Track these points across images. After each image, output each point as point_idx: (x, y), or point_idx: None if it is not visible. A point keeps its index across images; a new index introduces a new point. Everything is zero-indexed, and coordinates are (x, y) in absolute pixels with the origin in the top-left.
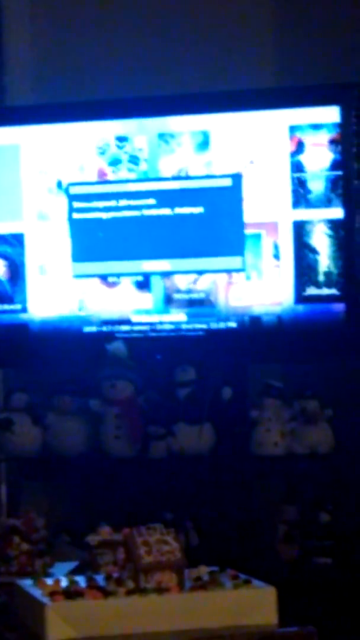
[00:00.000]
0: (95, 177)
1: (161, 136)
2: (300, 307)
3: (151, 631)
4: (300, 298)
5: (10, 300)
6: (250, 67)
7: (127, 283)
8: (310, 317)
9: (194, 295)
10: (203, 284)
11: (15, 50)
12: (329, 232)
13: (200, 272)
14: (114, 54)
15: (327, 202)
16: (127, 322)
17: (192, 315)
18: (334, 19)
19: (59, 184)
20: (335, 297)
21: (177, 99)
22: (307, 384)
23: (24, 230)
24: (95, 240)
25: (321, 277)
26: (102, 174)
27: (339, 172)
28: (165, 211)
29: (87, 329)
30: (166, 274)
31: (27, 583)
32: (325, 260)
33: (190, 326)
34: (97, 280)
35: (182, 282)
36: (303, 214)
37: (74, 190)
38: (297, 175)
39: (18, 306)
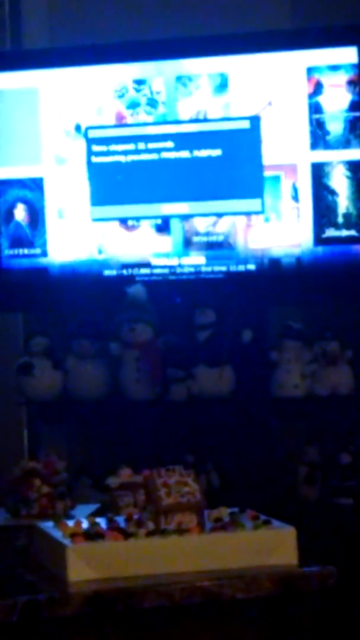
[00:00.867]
0: (114, 121)
1: (179, 79)
2: (320, 249)
3: (171, 572)
4: (319, 240)
5: (30, 244)
6: (267, 8)
7: (146, 226)
8: (329, 259)
9: (213, 238)
10: (222, 226)
11: None
12: (347, 173)
13: (219, 215)
14: None
15: (345, 143)
16: (147, 265)
17: (211, 257)
18: None
19: (78, 128)
20: (354, 239)
21: (194, 41)
22: (327, 325)
23: (42, 174)
24: (114, 184)
25: (340, 219)
26: (120, 117)
27: (357, 113)
28: (184, 154)
29: (107, 272)
30: (185, 217)
31: (47, 525)
32: (344, 202)
33: (209, 269)
34: (116, 224)
35: (201, 224)
36: (322, 155)
37: (92, 133)
38: (315, 116)
39: (38, 250)
